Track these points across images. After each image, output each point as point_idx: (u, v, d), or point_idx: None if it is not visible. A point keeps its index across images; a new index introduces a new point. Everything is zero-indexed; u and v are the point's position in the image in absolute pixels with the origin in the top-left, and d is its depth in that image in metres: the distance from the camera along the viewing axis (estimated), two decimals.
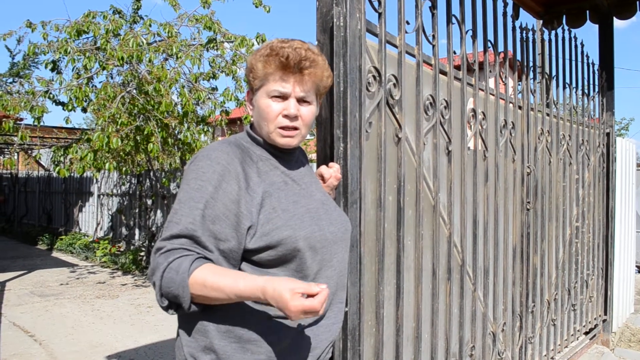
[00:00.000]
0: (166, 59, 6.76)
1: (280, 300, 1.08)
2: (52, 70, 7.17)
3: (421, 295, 2.26)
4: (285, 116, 1.32)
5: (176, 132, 7.02)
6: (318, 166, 1.75)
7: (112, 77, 7.26)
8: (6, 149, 15.32)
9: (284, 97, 1.32)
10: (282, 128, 1.33)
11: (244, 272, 1.25)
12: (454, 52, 2.55)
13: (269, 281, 1.12)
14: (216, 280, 1.15)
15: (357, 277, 1.82)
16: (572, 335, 4.07)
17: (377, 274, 1.99)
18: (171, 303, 1.19)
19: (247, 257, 1.27)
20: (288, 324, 1.30)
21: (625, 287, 5.28)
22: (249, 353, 1.26)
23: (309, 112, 1.36)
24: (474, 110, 2.74)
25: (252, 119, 1.43)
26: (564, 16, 4.34)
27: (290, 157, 1.44)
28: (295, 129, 1.35)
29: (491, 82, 2.97)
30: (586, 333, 4.36)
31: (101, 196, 11.60)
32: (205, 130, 7.19)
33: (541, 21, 4.40)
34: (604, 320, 4.60)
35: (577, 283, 4.09)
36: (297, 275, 1.30)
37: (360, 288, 1.85)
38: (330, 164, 1.70)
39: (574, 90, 4.16)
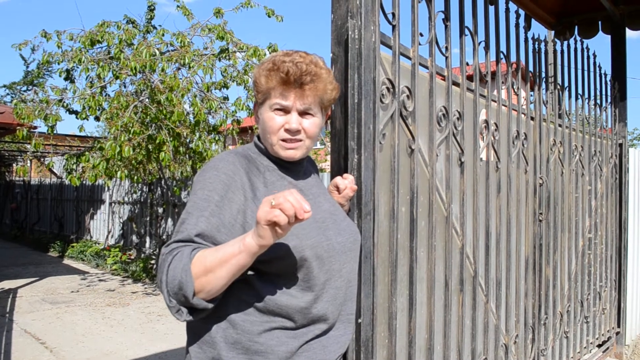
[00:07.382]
0: (179, 69, 6.83)
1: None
2: (66, 79, 7.27)
3: (434, 307, 2.25)
4: (287, 130, 1.33)
5: (188, 141, 7.07)
6: (332, 177, 1.76)
7: (125, 86, 7.34)
8: (19, 157, 15.53)
9: (285, 110, 1.33)
10: (284, 140, 1.34)
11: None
12: (467, 63, 2.56)
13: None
14: (215, 251, 1.15)
15: (370, 288, 1.82)
16: (584, 347, 4.03)
17: (390, 285, 1.99)
18: (179, 303, 1.16)
19: (254, 266, 1.26)
20: (296, 335, 1.31)
21: (639, 299, 5.22)
22: None
23: (312, 124, 1.36)
24: (486, 122, 2.74)
25: (258, 131, 1.44)
26: (576, 27, 4.34)
27: (297, 168, 1.45)
28: (299, 141, 1.35)
29: (503, 94, 2.97)
30: (599, 346, 4.31)
31: (112, 204, 11.68)
32: (216, 139, 7.23)
33: (553, 32, 4.40)
34: (617, 333, 4.55)
35: (589, 295, 4.05)
36: (305, 284, 1.30)
37: (373, 299, 1.85)
38: (345, 175, 1.71)
39: (586, 101, 4.14)
